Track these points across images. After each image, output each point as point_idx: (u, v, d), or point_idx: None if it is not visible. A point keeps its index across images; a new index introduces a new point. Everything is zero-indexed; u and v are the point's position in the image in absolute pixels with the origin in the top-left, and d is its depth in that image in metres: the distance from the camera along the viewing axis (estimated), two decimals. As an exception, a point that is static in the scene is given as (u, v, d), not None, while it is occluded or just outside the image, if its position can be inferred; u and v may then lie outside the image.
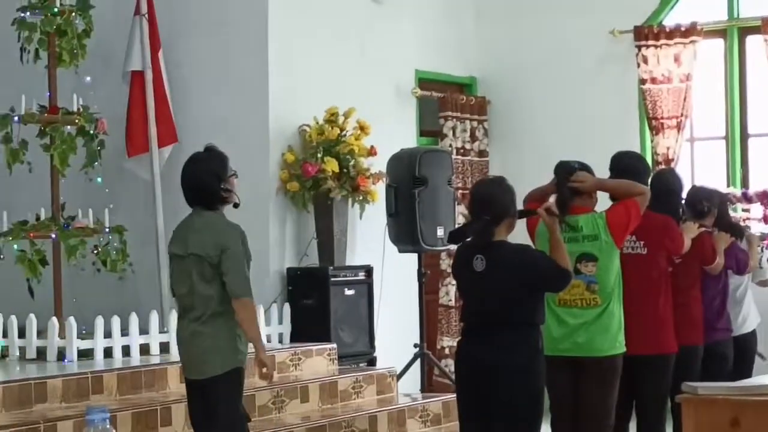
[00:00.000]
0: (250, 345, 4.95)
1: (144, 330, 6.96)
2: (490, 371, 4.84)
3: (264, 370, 4.95)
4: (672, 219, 5.78)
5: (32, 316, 6.79)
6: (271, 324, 7.52)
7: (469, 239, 5.03)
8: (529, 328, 4.91)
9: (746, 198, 8.59)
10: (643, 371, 5.55)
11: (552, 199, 5.31)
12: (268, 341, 7.47)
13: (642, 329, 5.47)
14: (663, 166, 8.56)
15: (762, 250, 6.55)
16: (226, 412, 4.87)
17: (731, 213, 7.49)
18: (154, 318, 6.98)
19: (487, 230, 4.90)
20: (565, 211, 5.18)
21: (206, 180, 4.94)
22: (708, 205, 6.19)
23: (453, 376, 7.60)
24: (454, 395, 5.24)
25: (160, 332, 7.01)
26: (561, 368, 5.22)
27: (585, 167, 5.42)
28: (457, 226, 6.67)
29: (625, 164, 5.68)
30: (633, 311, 5.40)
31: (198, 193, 4.96)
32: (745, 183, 8.83)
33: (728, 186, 8.68)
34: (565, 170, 5.34)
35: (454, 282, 8.75)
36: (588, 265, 5.27)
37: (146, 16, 7.56)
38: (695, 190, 6.40)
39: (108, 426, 2.16)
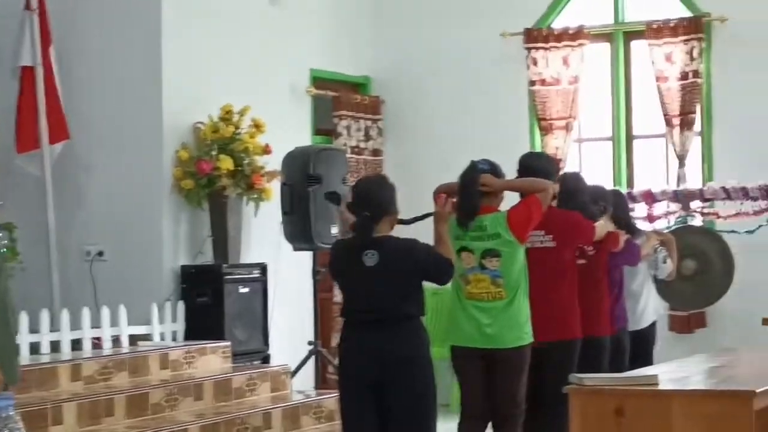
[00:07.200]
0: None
1: (34, 329, 6.86)
2: (393, 363, 4.92)
3: None
4: (579, 214, 5.97)
5: None
6: (165, 322, 7.48)
7: (349, 237, 5.11)
8: (418, 321, 5.06)
9: (631, 198, 8.82)
10: (549, 357, 5.70)
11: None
12: (161, 339, 7.44)
13: (547, 317, 5.65)
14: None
15: (658, 250, 6.79)
16: None
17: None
18: (44, 316, 6.89)
19: (367, 226, 4.99)
20: (472, 215, 5.35)
21: None
22: (603, 204, 6.45)
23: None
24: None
25: (50, 331, 6.91)
26: (471, 360, 5.39)
27: (494, 167, 5.58)
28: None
29: (536, 166, 5.84)
30: (539, 301, 5.59)
31: None
32: (630, 183, 9.08)
33: (613, 186, 8.91)
34: (472, 172, 5.49)
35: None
36: (492, 261, 5.47)
37: (37, 11, 7.45)
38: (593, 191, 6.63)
39: (11, 413, 2.16)
